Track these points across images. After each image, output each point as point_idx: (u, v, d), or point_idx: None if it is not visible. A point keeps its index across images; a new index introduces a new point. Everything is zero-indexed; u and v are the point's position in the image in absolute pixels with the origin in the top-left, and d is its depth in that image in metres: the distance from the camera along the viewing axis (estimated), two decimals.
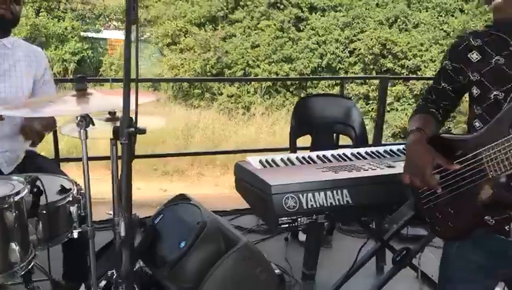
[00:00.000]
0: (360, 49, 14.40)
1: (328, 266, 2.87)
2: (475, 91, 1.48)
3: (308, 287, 2.76)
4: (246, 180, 2.01)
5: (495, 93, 1.41)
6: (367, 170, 2.03)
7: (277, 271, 2.77)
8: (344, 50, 14.88)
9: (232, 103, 14.34)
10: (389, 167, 2.09)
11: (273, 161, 2.14)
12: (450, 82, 1.58)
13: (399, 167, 1.95)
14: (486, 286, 1.57)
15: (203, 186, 8.98)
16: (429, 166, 1.42)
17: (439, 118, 1.62)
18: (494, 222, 1.42)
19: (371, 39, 14.07)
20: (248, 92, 14.50)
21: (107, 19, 17.15)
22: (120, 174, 1.22)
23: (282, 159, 2.17)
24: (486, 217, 1.43)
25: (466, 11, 14.43)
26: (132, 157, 1.19)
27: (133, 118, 1.19)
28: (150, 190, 7.79)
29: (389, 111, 12.89)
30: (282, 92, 14.68)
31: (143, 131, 1.18)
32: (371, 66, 14.47)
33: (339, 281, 2.40)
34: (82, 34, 16.07)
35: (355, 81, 14.32)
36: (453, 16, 14.70)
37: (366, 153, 2.33)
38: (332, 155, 2.27)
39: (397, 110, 13.67)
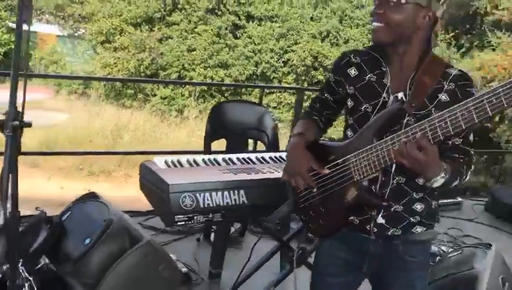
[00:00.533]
0: (293, 60, 14.81)
1: (235, 266, 2.96)
2: (349, 103, 1.62)
3: (214, 285, 2.86)
4: (148, 180, 2.08)
5: (365, 106, 1.56)
6: (265, 173, 2.17)
7: (184, 269, 2.85)
8: (278, 60, 15.23)
9: (165, 105, 14.26)
10: None
11: (178, 161, 2.22)
12: (331, 93, 1.70)
13: None
14: (352, 281, 1.73)
15: (130, 188, 8.86)
16: (304, 168, 1.55)
17: (321, 126, 1.74)
18: (358, 221, 1.59)
19: (304, 51, 14.51)
20: (182, 95, 14.48)
21: (39, 12, 16.52)
22: (2, 167, 1.25)
23: (187, 160, 2.26)
24: (351, 217, 1.59)
25: None
26: (18, 151, 1.23)
27: (20, 111, 1.23)
28: (74, 189, 7.59)
29: None
30: (217, 97, 14.78)
31: (28, 124, 1.22)
32: (303, 77, 14.91)
33: (240, 278, 2.52)
34: (10, 25, 15.38)
35: (288, 91, 14.66)
36: None
37: (270, 157, 2.48)
38: (237, 158, 2.39)
39: None
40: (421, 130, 1.32)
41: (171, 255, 2.63)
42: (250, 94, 14.30)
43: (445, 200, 4.54)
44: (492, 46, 10.24)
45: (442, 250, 3.51)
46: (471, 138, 1.56)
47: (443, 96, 1.48)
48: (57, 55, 16.27)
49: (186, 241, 3.42)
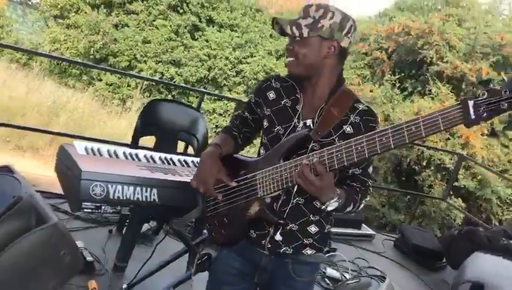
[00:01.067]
0: (245, 72, 14.92)
1: (141, 262, 2.97)
2: (265, 123, 1.74)
3: (115, 278, 2.85)
4: (63, 162, 2.08)
5: (278, 128, 1.68)
6: (182, 176, 2.23)
7: (89, 258, 2.83)
8: (231, 69, 15.30)
9: (109, 91, 13.91)
10: None
11: (98, 150, 2.24)
12: (251, 113, 1.81)
13: None
14: None
15: None
16: (212, 177, 1.64)
17: (239, 142, 1.84)
18: (255, 235, 1.68)
19: (258, 65, 14.67)
20: (128, 85, 14.20)
21: None
22: None
23: (108, 151, 2.28)
24: (251, 231, 1.68)
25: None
26: None
27: None
28: None
29: None
30: (164, 93, 14.62)
31: None
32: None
33: (141, 275, 2.54)
34: None
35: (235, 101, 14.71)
36: None
37: (193, 161, 2.54)
38: (159, 157, 2.44)
39: None
40: (320, 157, 1.44)
41: (79, 242, 2.61)
42: (197, 97, 14.26)
43: (358, 231, 4.75)
44: (432, 94, 10.82)
45: (344, 276, 3.69)
46: (370, 169, 1.69)
47: (348, 128, 1.61)
48: (4, 20, 15.53)
49: (98, 231, 3.38)
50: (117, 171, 1.99)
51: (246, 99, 2.94)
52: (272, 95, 1.73)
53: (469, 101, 1.23)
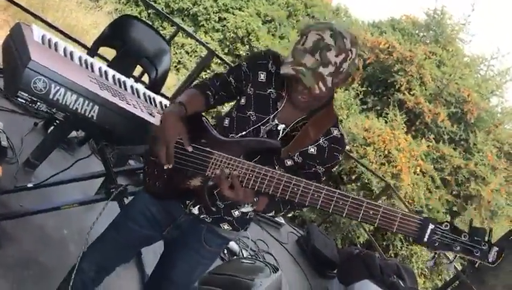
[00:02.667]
0: (228, 22, 14.63)
1: (54, 168, 2.89)
2: (242, 101, 1.65)
3: (23, 173, 2.76)
4: (15, 41, 1.95)
5: (251, 113, 1.62)
6: (129, 104, 2.15)
7: (4, 143, 2.70)
8: (216, 13, 14.97)
9: None
10: (150, 114, 2.25)
11: (56, 44, 2.10)
12: (236, 80, 1.67)
13: (156, 119, 2.13)
14: (149, 237, 1.80)
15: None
16: (172, 140, 1.53)
17: (211, 102, 1.70)
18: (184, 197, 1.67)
19: (243, 21, 14.38)
20: None
21: None
22: None
23: (65, 49, 2.15)
24: (184, 198, 1.67)
25: None
26: None
27: None
28: None
29: None
30: (140, 8, 14.11)
31: None
32: (227, 43, 14.75)
33: (51, 181, 2.48)
34: None
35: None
36: None
37: (144, 93, 2.46)
38: (113, 76, 2.33)
39: None
40: (256, 174, 1.42)
41: None
42: (172, 26, 13.83)
43: (270, 216, 4.87)
44: (387, 118, 11.12)
45: (242, 253, 3.78)
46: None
47: (312, 149, 1.58)
48: None
49: (23, 119, 3.24)
50: (66, 74, 1.87)
51: (216, 50, 2.87)
52: (262, 76, 1.63)
53: (430, 224, 1.21)
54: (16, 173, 2.70)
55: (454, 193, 10.66)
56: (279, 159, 1.58)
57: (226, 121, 1.67)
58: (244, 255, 3.76)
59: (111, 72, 2.34)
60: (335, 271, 4.71)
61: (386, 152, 9.66)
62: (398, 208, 1.32)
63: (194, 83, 1.85)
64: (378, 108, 11.84)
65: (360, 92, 11.65)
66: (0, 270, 2.18)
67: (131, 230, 1.78)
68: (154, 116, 2.22)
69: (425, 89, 11.35)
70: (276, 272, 3.09)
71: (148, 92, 2.50)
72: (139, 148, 1.80)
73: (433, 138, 10.96)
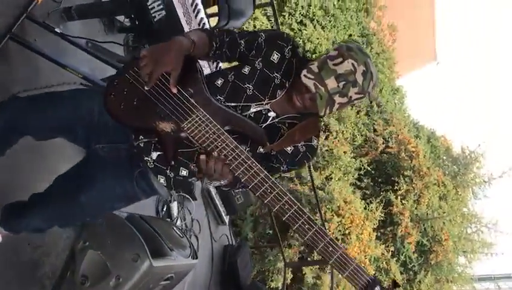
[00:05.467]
0: None
1: (85, 32, 2.82)
2: (245, 69, 1.57)
3: (58, 16, 2.69)
4: None
5: (250, 87, 1.55)
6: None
7: None
8: None
9: None
10: None
11: None
12: (247, 47, 1.60)
13: None
14: (76, 133, 1.69)
15: None
16: (165, 68, 1.40)
17: (211, 54, 1.60)
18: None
19: None
20: None
21: None
22: None
23: None
24: (140, 135, 1.56)
25: None
26: None
27: None
28: None
29: None
30: None
31: None
32: None
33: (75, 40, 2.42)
34: None
35: None
36: None
37: None
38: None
39: None
40: (242, 161, 1.38)
41: None
42: None
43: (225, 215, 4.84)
44: (367, 207, 11.09)
45: (176, 221, 3.74)
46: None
47: (288, 148, 1.59)
48: None
49: None
50: None
51: None
52: (275, 57, 1.57)
53: (377, 286, 1.27)
54: (52, 12, 2.63)
55: None
56: (255, 144, 1.55)
57: (219, 82, 1.59)
58: (177, 224, 3.72)
59: None
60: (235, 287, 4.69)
61: (347, 232, 9.66)
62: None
63: (205, 27, 1.74)
64: (367, 192, 11.84)
65: (364, 168, 11.65)
66: None
67: (66, 114, 1.65)
68: None
69: (416, 208, 11.38)
70: (194, 259, 3.07)
71: None
72: (115, 55, 1.63)
73: (391, 252, 10.99)
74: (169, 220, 3.67)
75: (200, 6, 2.36)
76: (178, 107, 1.46)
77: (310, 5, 13.45)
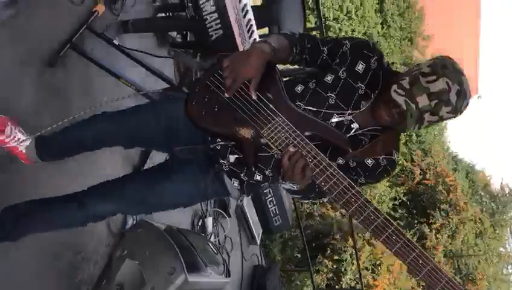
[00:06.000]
0: None
1: (140, 45, 2.89)
2: (328, 78, 1.53)
3: (116, 28, 2.77)
4: None
5: (332, 96, 1.50)
6: None
7: None
8: None
9: None
10: None
11: None
12: (330, 53, 1.55)
13: None
14: (158, 140, 1.74)
15: None
16: (246, 77, 1.42)
17: (290, 59, 1.58)
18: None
19: None
20: None
21: None
22: None
23: None
24: (217, 138, 1.57)
25: None
26: None
27: None
28: None
29: None
30: None
31: None
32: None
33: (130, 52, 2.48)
34: None
35: None
36: None
37: None
38: (249, 19, 2.33)
39: None
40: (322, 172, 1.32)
41: None
42: None
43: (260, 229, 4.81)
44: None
45: (211, 237, 3.75)
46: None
47: (369, 161, 1.53)
48: None
49: None
50: None
51: None
52: (360, 67, 1.51)
53: None
54: (110, 24, 2.72)
55: None
56: (335, 154, 1.48)
57: (299, 88, 1.55)
58: (211, 240, 3.72)
59: (250, 14, 2.33)
60: None
61: (377, 262, 9.46)
62: None
63: (284, 31, 1.70)
64: (401, 223, 11.59)
65: (399, 198, 11.43)
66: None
67: (148, 122, 1.69)
68: None
69: (450, 244, 11.05)
70: (227, 277, 3.05)
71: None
72: (195, 63, 1.66)
73: (422, 286, 10.67)
74: (203, 235, 3.68)
75: (254, 27, 2.39)
76: (258, 113, 1.45)
77: (354, 31, 13.44)
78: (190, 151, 1.66)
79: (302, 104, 1.51)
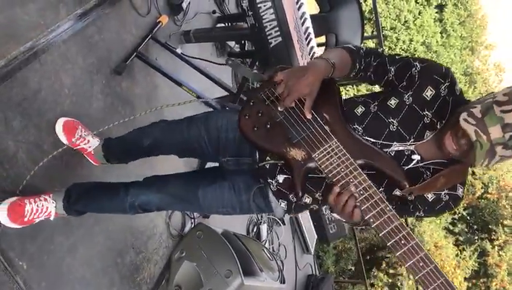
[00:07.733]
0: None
1: (200, 54, 2.99)
2: (392, 102, 1.42)
3: (178, 38, 2.88)
4: None
5: (394, 122, 1.40)
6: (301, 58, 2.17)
7: (184, 4, 2.82)
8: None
9: None
10: None
11: None
12: (397, 74, 1.45)
13: None
14: (207, 152, 1.72)
15: None
16: (302, 94, 1.36)
17: (352, 74, 1.50)
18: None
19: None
20: None
21: None
22: None
23: None
24: (267, 156, 1.52)
25: None
26: None
27: None
28: None
29: None
30: None
31: None
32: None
33: (192, 60, 2.57)
34: None
35: None
36: None
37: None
38: (307, 27, 2.36)
39: None
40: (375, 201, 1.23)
41: None
42: None
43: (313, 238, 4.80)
44: (460, 254, 10.46)
45: (265, 244, 3.77)
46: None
47: (429, 195, 1.41)
48: None
49: (209, 1, 3.38)
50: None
51: None
52: (429, 93, 1.39)
53: None
54: (172, 34, 2.84)
55: None
56: (391, 185, 1.38)
57: (359, 110, 1.45)
58: (264, 245, 3.75)
59: (308, 22, 2.36)
60: None
61: None
62: None
63: (348, 45, 1.61)
64: (461, 238, 11.17)
65: (459, 213, 11.01)
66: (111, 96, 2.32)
67: (199, 134, 1.68)
68: None
69: None
70: (282, 283, 3.07)
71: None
72: (252, 74, 1.65)
73: None
74: (258, 241, 3.71)
75: (312, 35, 2.42)
76: (311, 135, 1.37)
77: (412, 40, 13.18)
78: (236, 164, 1.66)
79: (359, 128, 1.42)
